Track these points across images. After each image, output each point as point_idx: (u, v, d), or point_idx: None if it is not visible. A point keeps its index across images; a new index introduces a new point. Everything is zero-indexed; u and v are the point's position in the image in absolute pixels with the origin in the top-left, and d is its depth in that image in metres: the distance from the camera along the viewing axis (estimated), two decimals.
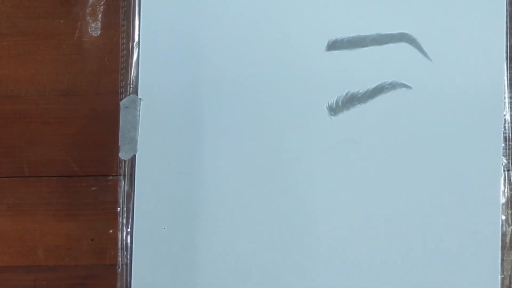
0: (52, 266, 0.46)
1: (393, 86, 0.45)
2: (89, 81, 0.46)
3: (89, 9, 0.46)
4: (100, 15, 0.46)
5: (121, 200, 0.45)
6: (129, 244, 0.45)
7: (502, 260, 0.44)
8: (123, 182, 0.45)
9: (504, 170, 0.45)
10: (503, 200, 0.44)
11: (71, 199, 0.46)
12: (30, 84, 0.46)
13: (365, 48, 0.45)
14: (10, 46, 0.46)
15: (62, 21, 0.46)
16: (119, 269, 0.45)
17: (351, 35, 0.45)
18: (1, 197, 0.46)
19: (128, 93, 0.46)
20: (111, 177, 0.46)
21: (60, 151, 0.46)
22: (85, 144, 0.46)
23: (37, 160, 0.46)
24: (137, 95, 0.45)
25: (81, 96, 0.46)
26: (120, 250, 0.45)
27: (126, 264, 0.45)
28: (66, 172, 0.46)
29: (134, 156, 0.45)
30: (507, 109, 0.45)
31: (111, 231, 0.45)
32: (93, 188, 0.46)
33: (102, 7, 0.46)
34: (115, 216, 0.45)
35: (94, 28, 0.46)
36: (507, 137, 0.45)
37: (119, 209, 0.45)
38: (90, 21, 0.46)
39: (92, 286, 0.45)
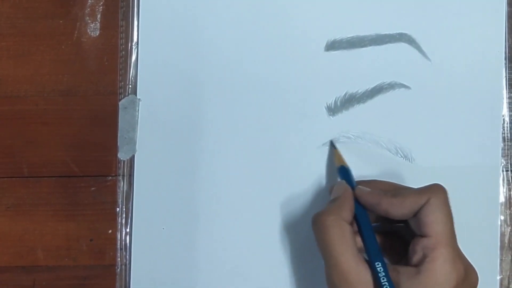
0: (52, 266, 0.46)
1: (392, 86, 0.45)
2: (88, 82, 0.46)
3: (88, 9, 0.46)
4: (99, 16, 0.46)
5: (120, 201, 0.45)
6: (128, 245, 0.45)
7: (501, 260, 0.44)
8: (122, 183, 0.45)
9: (503, 171, 0.45)
10: (502, 200, 0.44)
11: (70, 200, 0.46)
12: (29, 84, 0.46)
13: (364, 48, 0.45)
14: (9, 47, 0.46)
15: (61, 21, 0.46)
16: (118, 270, 0.45)
17: (350, 35, 0.45)
18: (0, 197, 0.46)
19: (127, 94, 0.46)
20: (110, 177, 0.46)
21: (59, 151, 0.46)
22: (84, 144, 0.46)
23: (36, 160, 0.46)
24: (136, 96, 0.45)
25: (80, 96, 0.46)
26: (119, 250, 0.45)
27: (125, 265, 0.45)
28: (65, 173, 0.46)
29: (133, 156, 0.45)
30: (506, 110, 0.45)
31: (110, 231, 0.45)
32: (92, 189, 0.46)
33: (101, 7, 0.46)
34: (114, 216, 0.45)
35: (93, 29, 0.46)
36: (506, 138, 0.45)
37: (118, 209, 0.45)
38: (89, 21, 0.46)
39: (91, 286, 0.45)
